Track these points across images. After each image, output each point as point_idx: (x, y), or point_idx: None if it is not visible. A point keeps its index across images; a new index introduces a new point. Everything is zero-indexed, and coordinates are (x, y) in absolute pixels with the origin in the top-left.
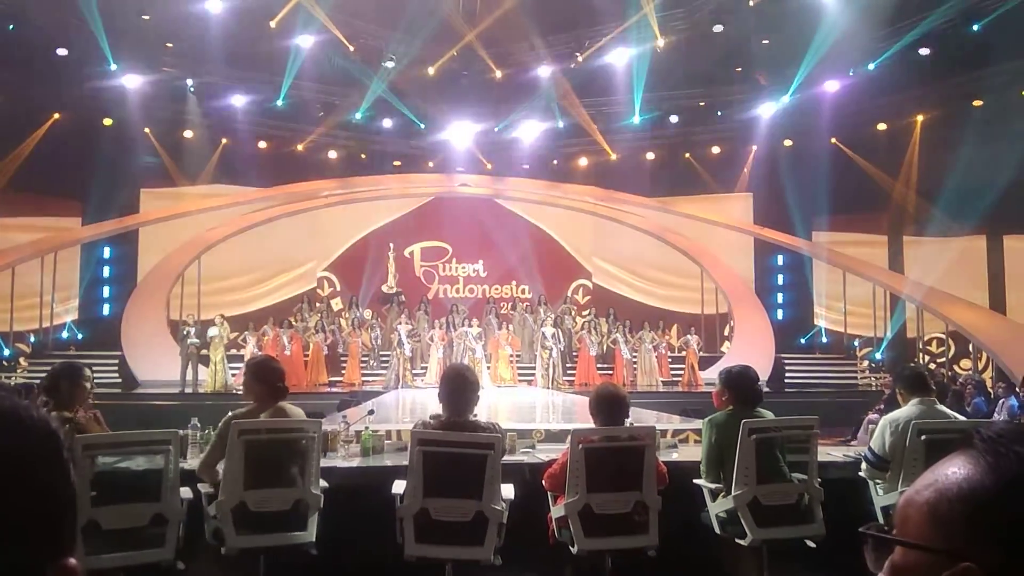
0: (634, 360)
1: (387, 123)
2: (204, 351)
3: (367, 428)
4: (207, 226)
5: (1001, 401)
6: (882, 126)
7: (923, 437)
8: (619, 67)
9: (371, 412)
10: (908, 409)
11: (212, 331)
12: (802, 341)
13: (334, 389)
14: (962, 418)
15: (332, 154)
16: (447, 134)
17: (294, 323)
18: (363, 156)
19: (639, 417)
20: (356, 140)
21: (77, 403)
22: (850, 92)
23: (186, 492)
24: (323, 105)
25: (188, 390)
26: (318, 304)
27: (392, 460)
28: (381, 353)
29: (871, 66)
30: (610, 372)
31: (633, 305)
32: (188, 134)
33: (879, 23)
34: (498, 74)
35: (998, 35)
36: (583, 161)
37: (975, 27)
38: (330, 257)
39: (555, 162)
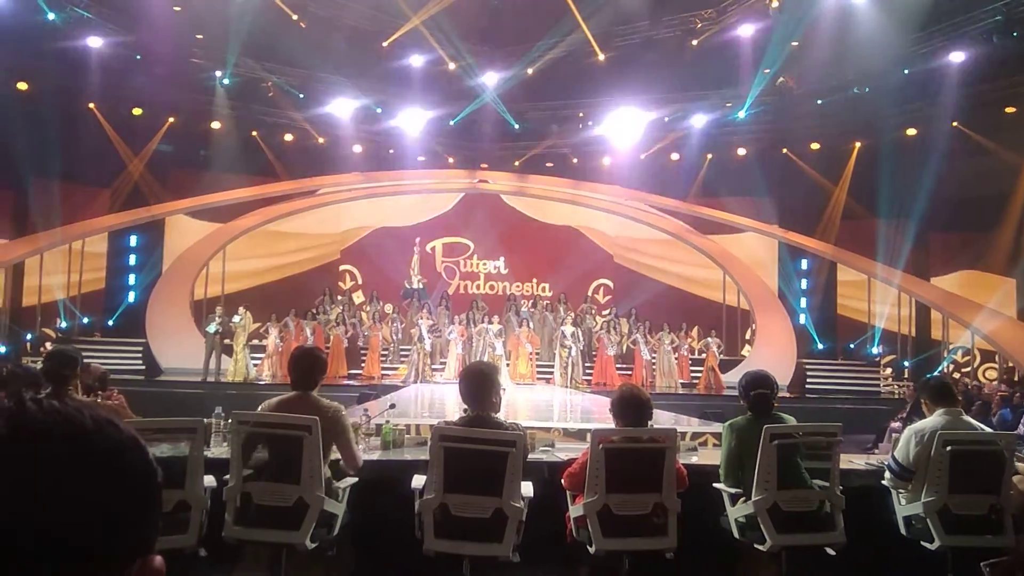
0: (653, 361)
1: (412, 119)
2: (228, 340)
3: (388, 422)
4: (232, 216)
5: None
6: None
7: (948, 448)
8: (645, 67)
9: (392, 406)
10: (933, 419)
11: (236, 319)
12: (851, 346)
13: (353, 382)
14: (988, 429)
15: (357, 148)
16: (472, 130)
17: (316, 315)
18: (391, 151)
19: (657, 419)
20: (381, 135)
21: (72, 388)
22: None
23: (210, 480)
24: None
25: (211, 379)
26: (339, 297)
27: (412, 454)
28: (401, 347)
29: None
30: (629, 372)
31: (656, 303)
32: (215, 125)
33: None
34: (530, 71)
35: None
36: (607, 160)
37: (1014, 34)
38: (352, 249)
39: (575, 160)
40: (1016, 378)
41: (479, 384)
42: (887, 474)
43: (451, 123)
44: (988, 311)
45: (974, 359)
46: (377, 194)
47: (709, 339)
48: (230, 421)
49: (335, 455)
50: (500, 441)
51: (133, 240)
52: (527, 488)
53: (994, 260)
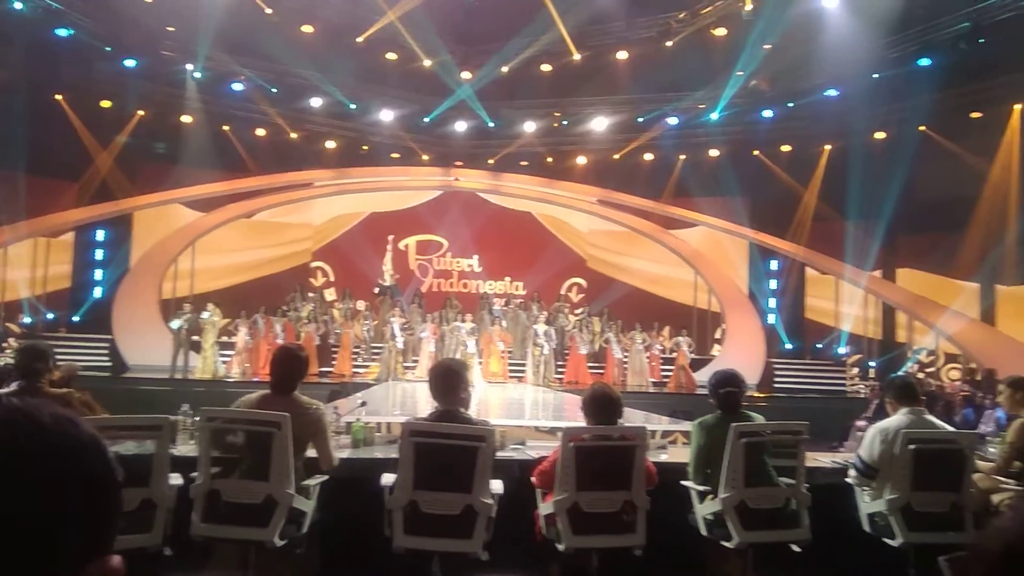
0: (625, 360)
1: (386, 115)
2: (195, 337)
3: (358, 420)
4: (202, 212)
5: (988, 412)
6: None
7: (912, 446)
8: (620, 67)
9: (363, 404)
10: (898, 418)
11: (205, 315)
12: (819, 346)
13: (324, 380)
14: (950, 429)
15: (330, 144)
16: (446, 128)
17: (287, 312)
18: (365, 148)
19: (628, 417)
20: (355, 131)
21: (44, 383)
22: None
23: (176, 479)
24: (321, 94)
25: (179, 376)
26: (311, 294)
27: (382, 452)
28: (373, 345)
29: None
30: (601, 371)
31: (629, 302)
32: (186, 119)
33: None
34: (504, 70)
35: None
36: (581, 159)
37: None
38: (324, 245)
39: (550, 160)
40: (978, 378)
41: (447, 380)
42: (852, 472)
43: (425, 120)
44: (952, 313)
45: (938, 359)
46: (350, 191)
47: (680, 338)
48: (197, 418)
49: (310, 453)
50: (469, 436)
51: (100, 235)
52: (497, 485)
53: (960, 263)
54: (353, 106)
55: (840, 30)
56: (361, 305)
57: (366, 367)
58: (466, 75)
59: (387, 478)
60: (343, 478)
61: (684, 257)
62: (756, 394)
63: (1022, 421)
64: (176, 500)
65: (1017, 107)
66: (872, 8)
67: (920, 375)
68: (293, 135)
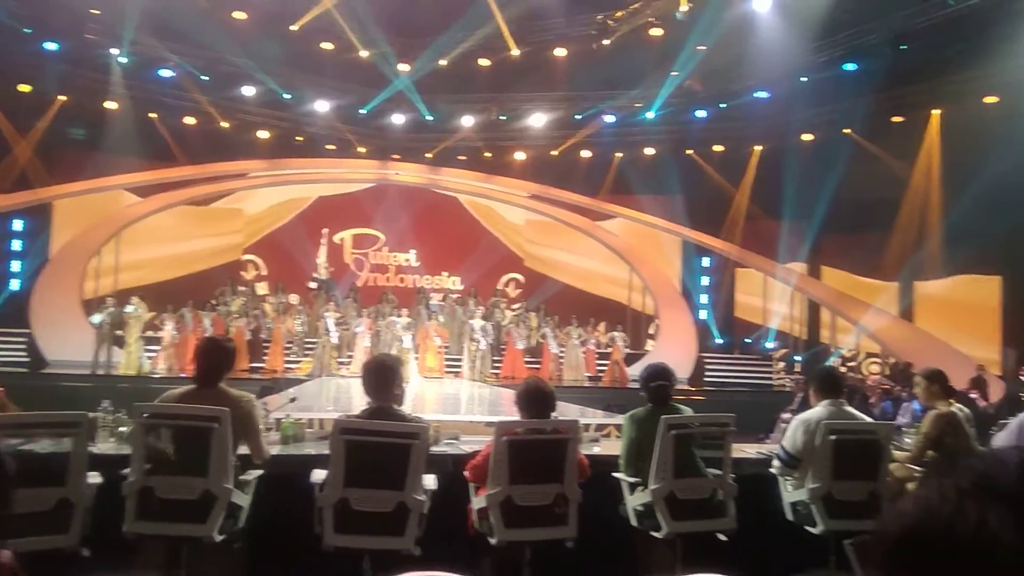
0: (561, 355)
1: (322, 106)
2: (119, 332)
3: (288, 416)
4: (127, 202)
5: (905, 404)
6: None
7: (832, 437)
8: (558, 64)
9: (293, 399)
10: (819, 410)
11: (129, 308)
12: (747, 341)
13: (255, 376)
14: (869, 419)
15: (263, 134)
16: (382, 120)
17: (216, 306)
18: (299, 139)
19: (564, 411)
20: (289, 121)
21: None
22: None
23: (95, 477)
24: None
25: (101, 372)
26: (242, 288)
27: (314, 449)
28: (306, 340)
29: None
30: (537, 366)
31: (565, 297)
32: (111, 105)
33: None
34: (443, 63)
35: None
36: (520, 155)
37: (902, 47)
38: (253, 238)
39: (488, 155)
40: (898, 372)
41: (381, 376)
42: (775, 462)
43: (362, 112)
44: (874, 310)
45: (859, 354)
46: (284, 182)
47: (615, 333)
48: (122, 414)
49: (242, 448)
50: (403, 433)
51: (18, 225)
52: (430, 481)
53: (882, 262)
54: (287, 96)
55: (771, 34)
56: (294, 299)
57: (299, 363)
58: (404, 67)
59: (317, 475)
60: (273, 475)
61: (620, 254)
62: (687, 388)
63: (936, 413)
64: (96, 499)
65: (936, 112)
66: (801, 13)
67: (843, 369)
68: (224, 124)
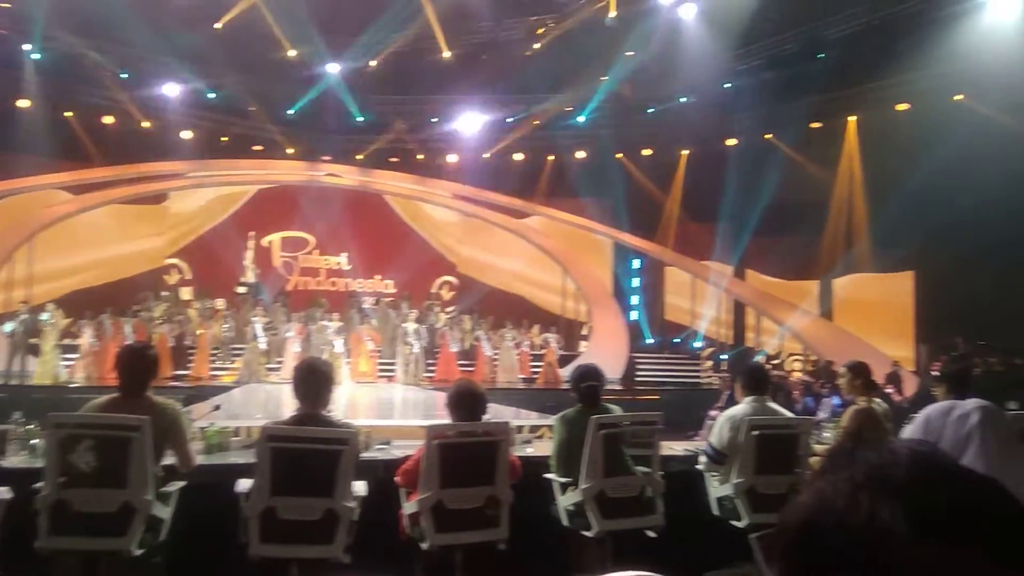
0: (496, 357)
1: (248, 105)
2: (34, 340)
3: (212, 424)
4: (44, 204)
5: (825, 400)
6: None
7: (755, 432)
8: (490, 67)
9: (217, 407)
10: (743, 407)
11: (44, 316)
12: (676, 340)
13: (180, 384)
14: (790, 415)
15: (186, 134)
16: (312, 121)
17: (138, 313)
18: (224, 139)
19: (498, 413)
20: (213, 121)
21: None
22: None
23: (5, 492)
24: (177, 81)
25: (14, 382)
26: (164, 293)
27: (240, 457)
28: (233, 347)
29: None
30: (472, 369)
31: (499, 300)
32: (23, 103)
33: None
34: (374, 63)
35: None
36: (452, 158)
37: (819, 56)
38: (178, 243)
39: (420, 157)
40: (818, 369)
41: (310, 381)
42: (702, 458)
43: (290, 112)
44: (797, 310)
45: (783, 352)
46: (208, 184)
47: (548, 335)
48: (34, 427)
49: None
50: (331, 439)
51: None
52: (361, 487)
53: (803, 264)
54: (212, 95)
55: (696, 41)
56: (220, 304)
57: (225, 369)
58: (334, 67)
59: (243, 484)
60: (196, 485)
61: (553, 256)
62: (618, 387)
63: (856, 408)
64: (7, 515)
65: (852, 119)
66: (724, 21)
67: (768, 367)
68: (145, 124)
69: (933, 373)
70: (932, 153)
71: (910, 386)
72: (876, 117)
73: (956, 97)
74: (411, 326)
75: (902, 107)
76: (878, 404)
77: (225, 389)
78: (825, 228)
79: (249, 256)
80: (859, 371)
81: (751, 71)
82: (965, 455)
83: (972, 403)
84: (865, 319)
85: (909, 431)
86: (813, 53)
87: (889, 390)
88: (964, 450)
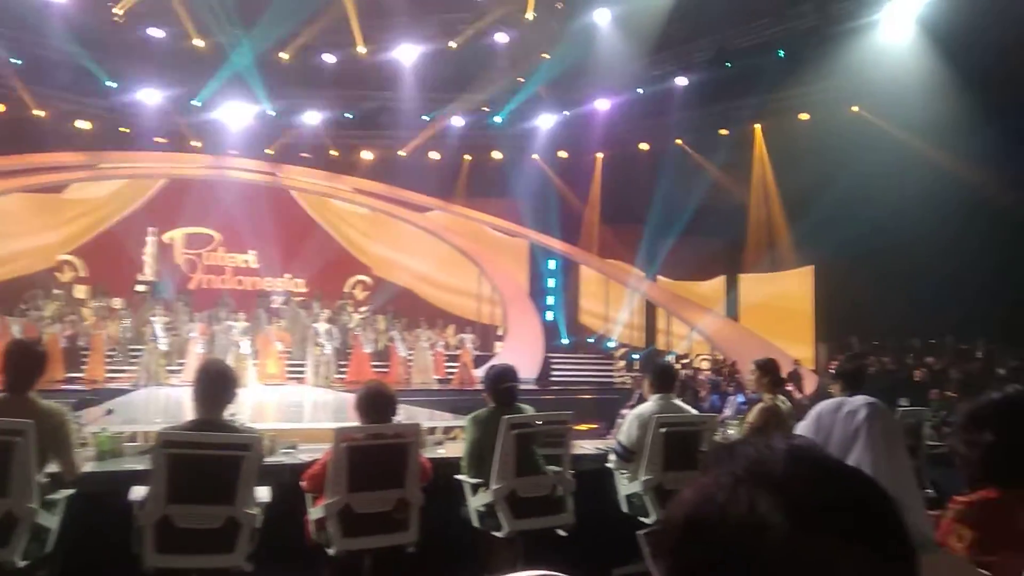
0: (410, 358)
1: (151, 96)
2: None
3: (103, 429)
4: None
5: (730, 398)
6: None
7: (663, 430)
8: (406, 64)
9: (109, 412)
10: (650, 404)
11: None
12: (590, 340)
13: (73, 387)
14: (695, 412)
15: (83, 124)
16: (219, 113)
17: (26, 312)
18: (125, 130)
19: (412, 415)
20: (113, 111)
21: None
22: (615, 112)
23: None
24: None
25: None
26: (56, 291)
27: (137, 464)
28: (131, 348)
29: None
30: (386, 370)
31: (413, 300)
32: None
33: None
34: (286, 56)
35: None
36: (367, 155)
37: (727, 65)
38: (74, 239)
39: (335, 153)
40: (724, 368)
41: (210, 384)
42: (612, 456)
43: (195, 103)
44: (705, 311)
45: (692, 352)
46: (105, 176)
47: (464, 335)
48: None
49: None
50: (232, 445)
51: None
52: (264, 493)
53: (715, 267)
54: (112, 84)
55: (610, 46)
56: (118, 303)
57: (123, 371)
58: (244, 59)
59: (137, 492)
60: (86, 493)
61: (470, 256)
62: (534, 387)
63: (762, 405)
64: None
65: (757, 127)
66: (638, 27)
67: (678, 366)
68: (39, 112)
69: (831, 371)
70: (831, 162)
71: (810, 384)
72: (780, 126)
73: (853, 108)
74: (323, 326)
75: (804, 117)
76: (783, 401)
77: (122, 392)
78: (737, 232)
79: (150, 253)
80: (766, 369)
81: (663, 77)
82: (853, 450)
83: (860, 400)
84: (769, 320)
85: (802, 428)
86: (721, 62)
87: (790, 388)
88: (852, 445)
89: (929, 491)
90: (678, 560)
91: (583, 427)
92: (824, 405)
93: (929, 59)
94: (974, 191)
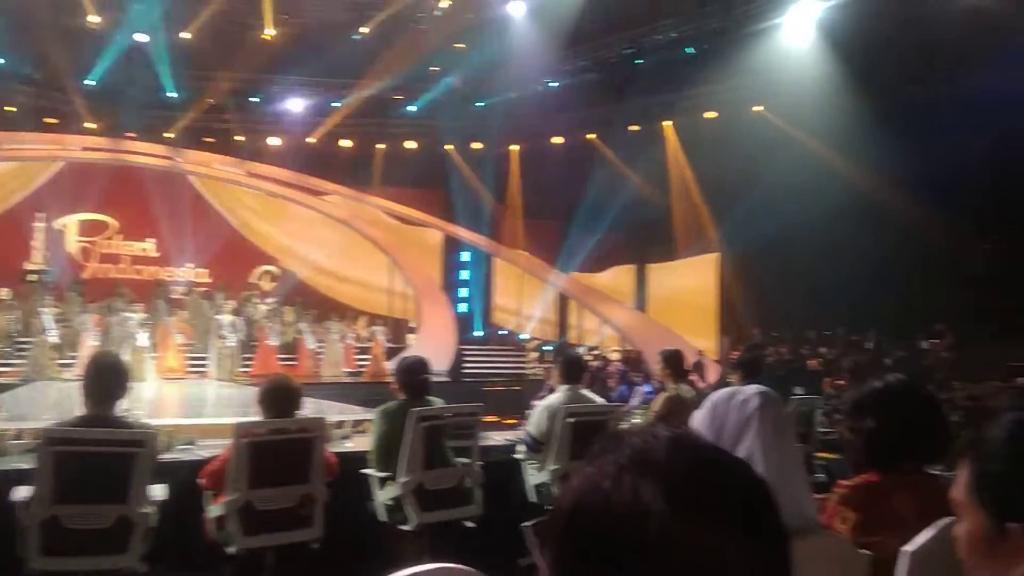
0: (319, 351)
1: (38, 72)
2: None
3: None
4: None
5: (637, 388)
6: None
7: (570, 420)
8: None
9: None
10: (559, 395)
11: None
12: (503, 332)
13: None
14: (602, 401)
15: None
16: (116, 93)
17: None
18: (9, 108)
19: (321, 408)
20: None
21: None
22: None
23: None
24: None
25: None
26: None
27: (22, 463)
28: (19, 340)
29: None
30: (294, 363)
31: (322, 296)
32: None
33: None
34: (189, 35)
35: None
36: (274, 140)
37: (637, 62)
38: None
39: (240, 139)
40: (630, 360)
41: (99, 378)
42: (521, 447)
43: (89, 82)
44: (617, 304)
45: (602, 344)
46: None
47: (375, 328)
48: None
49: None
50: (124, 442)
51: None
52: (160, 491)
53: (626, 260)
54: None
55: (524, 38)
56: (4, 294)
57: (10, 365)
58: (142, 37)
59: (21, 491)
60: None
61: (381, 246)
62: (446, 379)
63: (666, 395)
64: None
65: (667, 124)
66: (551, 21)
67: (589, 357)
68: None
69: (731, 361)
70: (739, 158)
71: (713, 373)
72: (688, 123)
73: (756, 108)
74: (227, 318)
75: (710, 115)
76: (687, 391)
77: (11, 387)
78: (646, 226)
79: (39, 240)
80: (670, 360)
81: (575, 71)
82: (745, 437)
83: (752, 389)
84: (676, 313)
85: (698, 416)
86: (632, 59)
87: (693, 377)
88: (744, 432)
89: (820, 476)
90: (564, 547)
91: (509, 420)
92: (718, 394)
93: (828, 63)
94: (866, 191)
